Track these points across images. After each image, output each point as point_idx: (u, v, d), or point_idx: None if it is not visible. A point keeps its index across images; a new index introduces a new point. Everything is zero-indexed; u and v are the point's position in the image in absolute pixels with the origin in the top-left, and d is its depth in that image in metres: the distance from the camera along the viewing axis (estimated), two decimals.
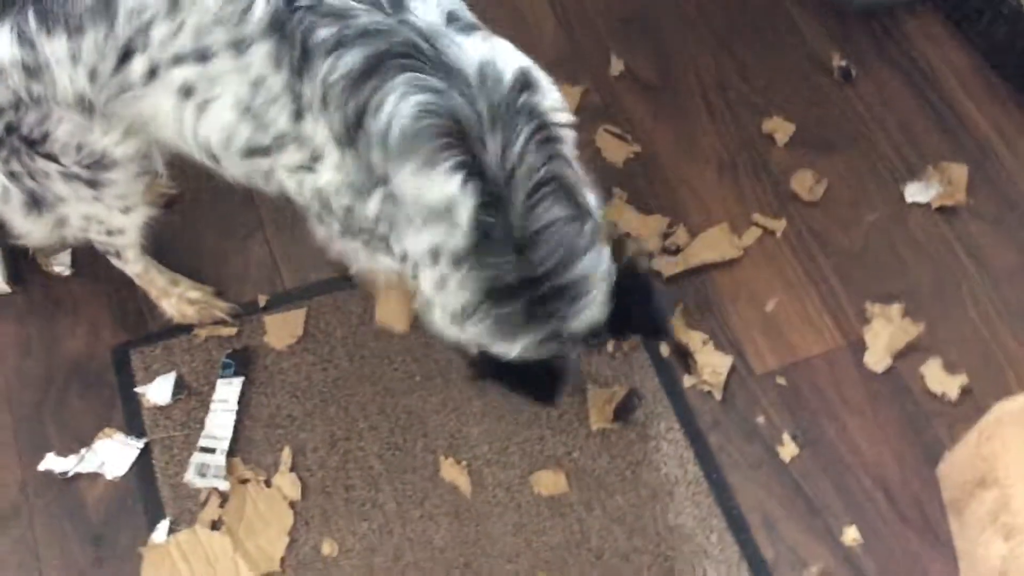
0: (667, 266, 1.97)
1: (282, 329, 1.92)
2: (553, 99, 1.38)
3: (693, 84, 2.23)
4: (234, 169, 1.49)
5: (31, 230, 1.66)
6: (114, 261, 1.82)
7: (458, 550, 1.72)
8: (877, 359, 1.87)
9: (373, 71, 1.30)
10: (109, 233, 1.69)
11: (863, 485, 1.77)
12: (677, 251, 1.99)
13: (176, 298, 1.87)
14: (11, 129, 1.46)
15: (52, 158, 1.50)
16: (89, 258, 1.90)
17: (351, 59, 1.30)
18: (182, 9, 1.33)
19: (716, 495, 1.76)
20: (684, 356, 1.88)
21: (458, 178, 1.30)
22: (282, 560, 1.71)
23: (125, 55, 1.36)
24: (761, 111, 2.18)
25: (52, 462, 1.78)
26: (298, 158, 1.41)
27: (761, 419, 1.83)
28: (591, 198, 1.44)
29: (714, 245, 1.99)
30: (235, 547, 1.71)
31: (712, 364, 1.86)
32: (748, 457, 1.80)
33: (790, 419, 1.83)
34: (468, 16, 1.39)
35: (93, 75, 1.38)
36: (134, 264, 1.82)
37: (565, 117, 1.39)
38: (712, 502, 1.76)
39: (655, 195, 2.06)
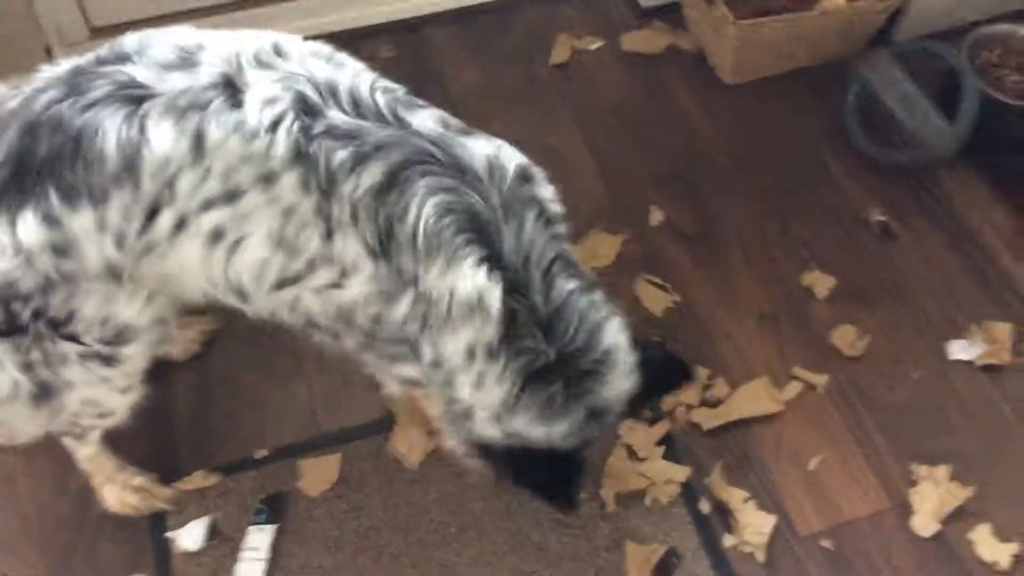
0: (707, 419, 1.94)
1: (317, 474, 1.91)
2: (548, 190, 1.46)
3: (733, 236, 2.25)
4: (262, 304, 1.50)
5: (27, 425, 1.62)
6: (68, 442, 1.76)
7: None
8: (925, 523, 1.81)
9: (395, 181, 1.37)
10: (100, 416, 1.67)
11: None
12: (717, 404, 1.97)
13: (120, 485, 1.83)
14: (38, 314, 1.43)
15: (74, 338, 1.48)
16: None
17: (373, 172, 1.36)
18: (206, 156, 1.36)
19: None
20: (724, 514, 1.84)
21: (484, 270, 1.37)
22: None
23: (152, 213, 1.38)
24: (801, 264, 2.19)
25: None
26: (328, 277, 1.43)
27: None
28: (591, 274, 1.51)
29: (755, 399, 1.97)
30: None
31: (754, 524, 1.81)
32: None
33: None
34: (456, 121, 1.47)
35: (120, 240, 1.39)
36: (90, 447, 1.77)
37: (558, 207, 1.46)
38: None
39: (695, 346, 2.06)
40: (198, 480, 1.89)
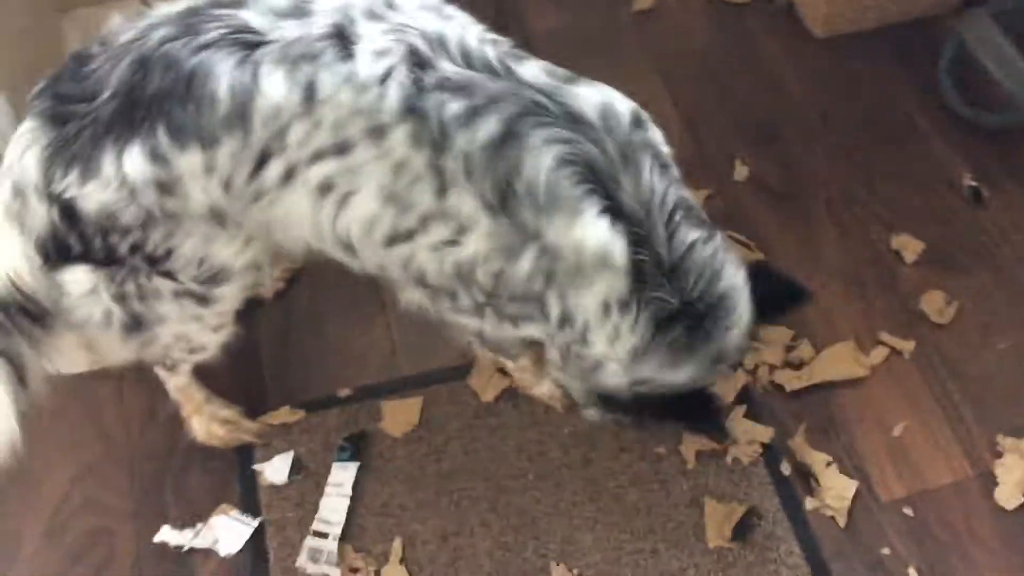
0: (790, 380, 1.93)
1: (399, 416, 1.93)
2: (659, 133, 1.46)
3: (819, 194, 2.21)
4: (371, 259, 1.51)
5: (118, 353, 1.67)
6: (160, 372, 1.80)
7: None
8: (1008, 495, 1.80)
9: (510, 134, 1.35)
10: (191, 351, 1.69)
11: None
12: (800, 366, 1.96)
13: (208, 417, 1.87)
14: (135, 248, 1.45)
15: (170, 276, 1.50)
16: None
17: (488, 126, 1.35)
18: (317, 107, 1.35)
19: None
20: (806, 477, 1.83)
21: (606, 222, 1.36)
22: None
23: (261, 161, 1.38)
24: (889, 227, 2.15)
25: (168, 535, 1.80)
26: (444, 234, 1.43)
27: (887, 550, 1.76)
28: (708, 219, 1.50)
29: (839, 362, 1.95)
30: None
31: (836, 488, 1.81)
32: None
33: (917, 552, 1.76)
34: (563, 71, 1.45)
35: (228, 185, 1.40)
36: (180, 377, 1.81)
37: (669, 150, 1.47)
38: None
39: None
40: (283, 415, 1.92)
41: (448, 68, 1.36)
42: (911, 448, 1.87)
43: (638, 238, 1.38)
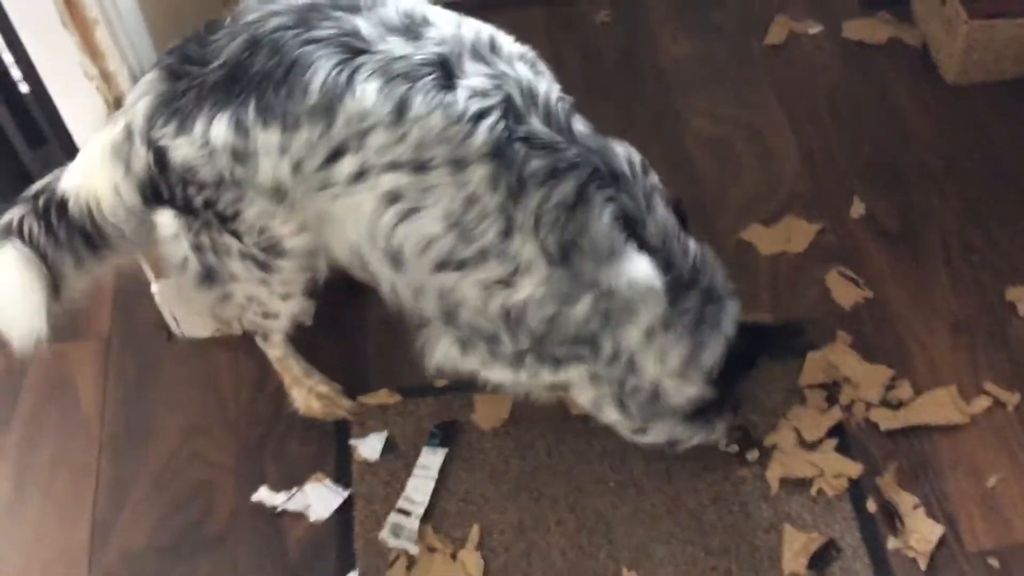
0: (886, 419, 1.91)
1: (490, 410, 1.99)
2: (656, 176, 1.62)
3: (935, 239, 2.18)
4: (414, 279, 1.58)
5: (198, 298, 1.80)
6: (259, 342, 1.91)
7: None
8: None
9: (582, 197, 1.48)
10: (265, 316, 1.79)
11: None
12: (899, 406, 1.93)
13: (307, 390, 1.96)
14: (208, 204, 1.56)
15: (236, 236, 1.60)
16: (329, 313, 2.05)
17: (565, 188, 1.48)
18: (406, 123, 1.43)
19: None
20: (891, 516, 1.81)
21: (646, 258, 1.53)
22: None
23: (335, 155, 1.47)
24: (1005, 278, 2.11)
25: (265, 495, 1.91)
26: (498, 273, 1.52)
27: None
28: None
29: (939, 407, 1.92)
30: None
31: (921, 531, 1.78)
32: None
33: None
34: (590, 126, 1.58)
35: (297, 168, 1.49)
36: (276, 348, 1.91)
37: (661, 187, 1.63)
38: None
39: (882, 345, 2.02)
40: (381, 397, 2.01)
41: (537, 125, 1.47)
42: (1004, 501, 1.83)
43: (664, 263, 1.55)
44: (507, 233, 1.48)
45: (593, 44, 2.59)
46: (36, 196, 1.66)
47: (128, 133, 1.58)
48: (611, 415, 1.70)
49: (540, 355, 1.63)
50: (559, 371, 1.65)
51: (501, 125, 1.44)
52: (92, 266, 1.71)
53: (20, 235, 1.64)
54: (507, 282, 1.53)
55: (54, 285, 1.66)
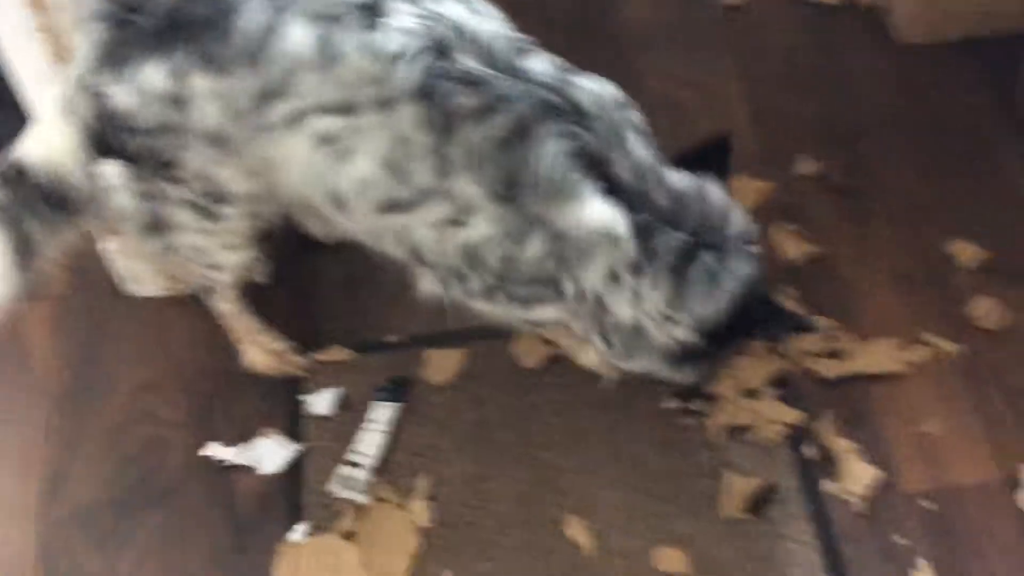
0: (827, 368, 1.95)
1: (441, 365, 2.02)
2: (638, 115, 1.57)
3: (880, 195, 2.22)
4: (364, 222, 1.59)
5: (143, 247, 1.80)
6: (209, 298, 1.92)
7: None
8: None
9: (521, 130, 1.45)
10: (211, 268, 1.79)
11: None
12: (840, 356, 1.97)
13: (258, 346, 1.97)
14: (151, 152, 1.56)
15: (179, 183, 1.61)
16: (281, 269, 2.07)
17: (499, 124, 1.45)
18: (333, 64, 1.44)
19: None
20: (829, 461, 1.85)
21: (602, 200, 1.48)
22: None
23: (268, 98, 1.48)
24: (949, 232, 2.14)
25: (215, 449, 1.93)
26: (445, 213, 1.52)
27: (900, 539, 1.77)
28: None
29: (879, 356, 1.96)
30: (361, 560, 1.79)
31: (857, 474, 1.82)
32: (879, 575, 1.74)
33: (930, 545, 1.76)
34: (563, 62, 1.55)
35: (233, 113, 1.50)
36: (226, 304, 1.91)
37: (645, 124, 1.58)
38: None
39: (826, 298, 2.05)
40: (333, 354, 2.03)
41: (467, 62, 1.46)
42: (939, 446, 1.87)
43: (637, 202, 1.50)
44: (443, 172, 1.49)
45: (549, 5, 2.61)
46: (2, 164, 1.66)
47: (73, 85, 1.58)
48: (598, 344, 1.69)
49: (508, 294, 1.62)
50: (529, 310, 1.65)
51: (427, 63, 1.44)
52: (64, 230, 1.72)
53: None
54: (457, 221, 1.53)
55: (25, 251, 1.67)
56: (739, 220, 1.59)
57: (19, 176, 1.64)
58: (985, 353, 1.97)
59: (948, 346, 1.98)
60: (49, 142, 1.63)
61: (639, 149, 1.53)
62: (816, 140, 2.32)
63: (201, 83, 1.49)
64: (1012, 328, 2.01)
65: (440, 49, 1.46)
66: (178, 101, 1.51)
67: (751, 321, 1.61)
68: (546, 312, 1.64)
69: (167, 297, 2.12)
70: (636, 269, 1.53)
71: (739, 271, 1.56)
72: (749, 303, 1.58)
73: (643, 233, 1.51)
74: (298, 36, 1.45)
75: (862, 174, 2.26)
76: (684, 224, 1.53)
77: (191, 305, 2.08)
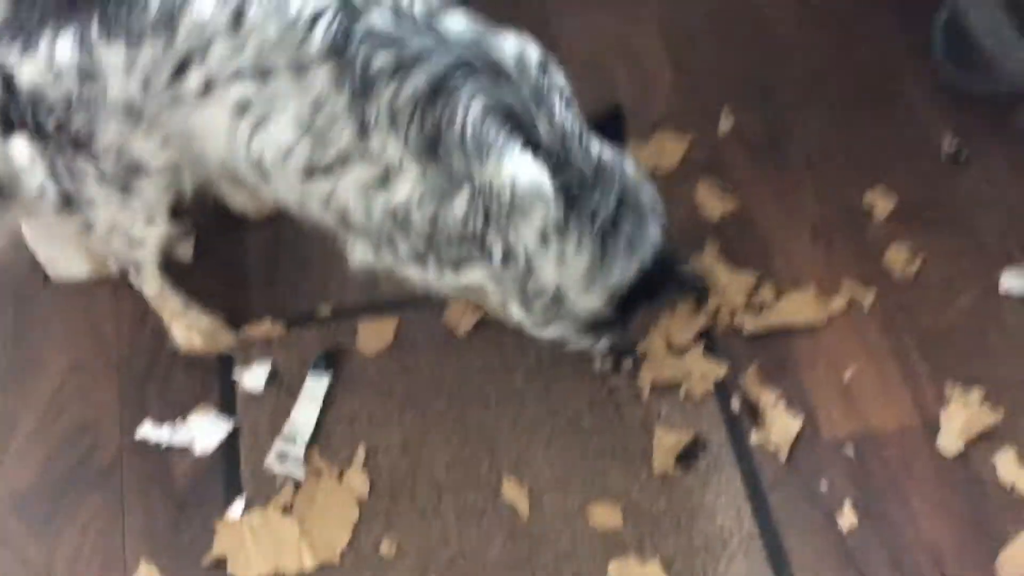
0: (750, 322, 2.00)
1: (374, 335, 2.03)
2: (562, 76, 1.58)
3: (799, 148, 2.26)
4: (287, 189, 1.59)
5: (61, 225, 1.78)
6: (134, 278, 1.90)
7: (509, 568, 1.78)
8: (950, 442, 1.86)
9: (439, 88, 1.46)
10: (131, 244, 1.78)
11: (919, 565, 1.76)
12: (762, 309, 2.02)
13: (187, 324, 1.97)
14: (60, 127, 1.54)
15: (93, 159, 1.59)
16: (207, 245, 2.05)
17: (416, 81, 1.45)
18: (243, 30, 1.44)
19: (769, 553, 1.78)
20: (754, 413, 1.91)
21: (530, 157, 1.48)
22: (342, 552, 1.80)
23: (181, 68, 1.47)
24: (865, 182, 2.19)
25: (149, 430, 1.92)
26: (368, 175, 1.52)
27: (824, 485, 1.84)
28: None
29: (799, 308, 2.02)
30: (302, 533, 1.81)
31: (781, 424, 1.88)
32: (806, 521, 1.81)
33: (853, 489, 1.83)
34: (482, 22, 1.55)
35: (146, 84, 1.49)
36: (151, 282, 1.90)
37: (568, 87, 1.59)
38: (764, 559, 1.77)
39: (747, 253, 2.10)
40: (264, 328, 2.03)
41: (377, 20, 1.45)
42: (859, 393, 1.94)
43: (559, 164, 1.51)
44: (363, 133, 1.48)
45: None
46: None
47: None
48: (516, 313, 1.72)
49: (438, 257, 1.63)
50: (460, 273, 1.65)
51: (336, 24, 1.44)
52: (6, 211, 1.70)
53: None
54: (382, 183, 1.53)
55: None
56: (650, 190, 1.63)
57: None
58: (901, 300, 2.04)
59: (865, 294, 2.04)
60: None
61: (562, 112, 1.54)
62: (737, 97, 2.35)
63: (111, 55, 1.46)
64: (923, 273, 2.07)
65: (351, 10, 1.45)
66: (89, 74, 1.48)
67: (654, 288, 1.67)
68: (475, 274, 1.65)
69: (92, 280, 2.09)
70: (561, 232, 1.55)
71: (652, 240, 1.61)
72: (654, 271, 1.64)
73: (568, 197, 1.52)
74: (209, 4, 1.43)
75: (780, 128, 2.30)
76: (607, 191, 1.56)
77: (117, 287, 2.07)
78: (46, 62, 1.48)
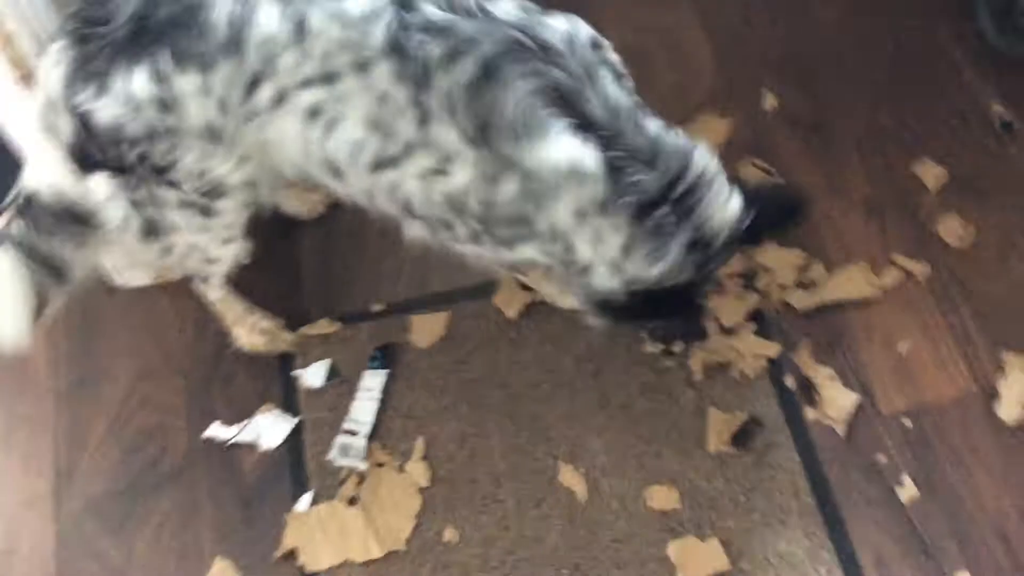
0: (801, 300, 2.00)
1: (426, 329, 2.07)
2: (615, 55, 1.59)
3: (846, 124, 2.25)
4: (358, 184, 1.63)
5: (142, 256, 1.85)
6: (198, 285, 1.96)
7: (569, 552, 1.81)
8: (1009, 410, 1.84)
9: (489, 73, 1.48)
10: (207, 262, 1.84)
11: (981, 534, 1.75)
12: (813, 286, 2.02)
13: (249, 327, 2.02)
14: (143, 159, 1.59)
15: (175, 186, 1.64)
16: (263, 248, 2.10)
17: (467, 67, 1.48)
18: (307, 39, 1.49)
19: (829, 529, 1.78)
20: (809, 389, 1.91)
21: (571, 137, 1.48)
22: (407, 540, 1.84)
23: (253, 84, 1.52)
24: (914, 155, 2.18)
25: (216, 430, 1.99)
26: (429, 163, 1.56)
27: (883, 458, 1.83)
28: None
29: (851, 283, 2.01)
30: (367, 523, 1.85)
31: (837, 400, 1.88)
32: (865, 494, 1.81)
33: (913, 461, 1.82)
34: (532, 4, 1.56)
35: (223, 105, 1.54)
36: (217, 290, 1.96)
37: (623, 67, 1.59)
38: (824, 535, 1.77)
39: (796, 231, 2.08)
40: (321, 327, 2.08)
41: (431, 11, 1.49)
42: (915, 365, 1.92)
43: (610, 139, 1.49)
44: (424, 122, 1.52)
45: None
46: (15, 199, 1.71)
47: (50, 105, 1.60)
48: (569, 291, 1.72)
49: (492, 236, 1.64)
50: (514, 251, 1.66)
51: (393, 19, 1.48)
52: (88, 243, 1.76)
53: (11, 239, 1.69)
54: (441, 170, 1.56)
55: (55, 272, 1.73)
56: (717, 208, 1.55)
57: (29, 205, 1.70)
58: (955, 271, 2.02)
59: (918, 267, 2.03)
60: (44, 166, 1.67)
61: (613, 88, 1.52)
62: (778, 74, 2.34)
63: (186, 82, 1.51)
64: (977, 243, 2.05)
65: (403, 2, 1.49)
66: (167, 104, 1.54)
67: (667, 305, 1.63)
68: (529, 250, 1.66)
69: (155, 286, 2.16)
70: (602, 209, 1.54)
71: (686, 250, 1.55)
72: (676, 290, 1.60)
73: (615, 171, 1.50)
74: (270, 18, 1.48)
75: (825, 105, 2.28)
76: (656, 168, 1.51)
77: (179, 292, 2.13)
78: (124, 98, 1.53)
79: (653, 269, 1.57)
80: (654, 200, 1.53)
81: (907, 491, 1.79)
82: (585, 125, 1.49)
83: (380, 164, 1.57)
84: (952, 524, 1.76)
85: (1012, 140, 2.18)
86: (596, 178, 1.50)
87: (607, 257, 1.59)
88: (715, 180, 1.57)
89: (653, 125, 1.55)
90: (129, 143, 1.58)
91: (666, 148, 1.53)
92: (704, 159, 1.56)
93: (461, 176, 1.55)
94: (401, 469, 1.91)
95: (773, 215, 1.66)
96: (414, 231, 1.72)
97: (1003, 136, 2.19)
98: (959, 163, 2.15)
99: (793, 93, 2.30)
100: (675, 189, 1.53)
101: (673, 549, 1.78)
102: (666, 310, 1.67)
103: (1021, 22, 2.26)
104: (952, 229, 2.06)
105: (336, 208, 2.21)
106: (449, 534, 1.84)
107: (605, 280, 1.62)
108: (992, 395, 1.87)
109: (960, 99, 2.25)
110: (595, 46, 1.55)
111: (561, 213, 1.55)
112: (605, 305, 1.67)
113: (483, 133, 1.51)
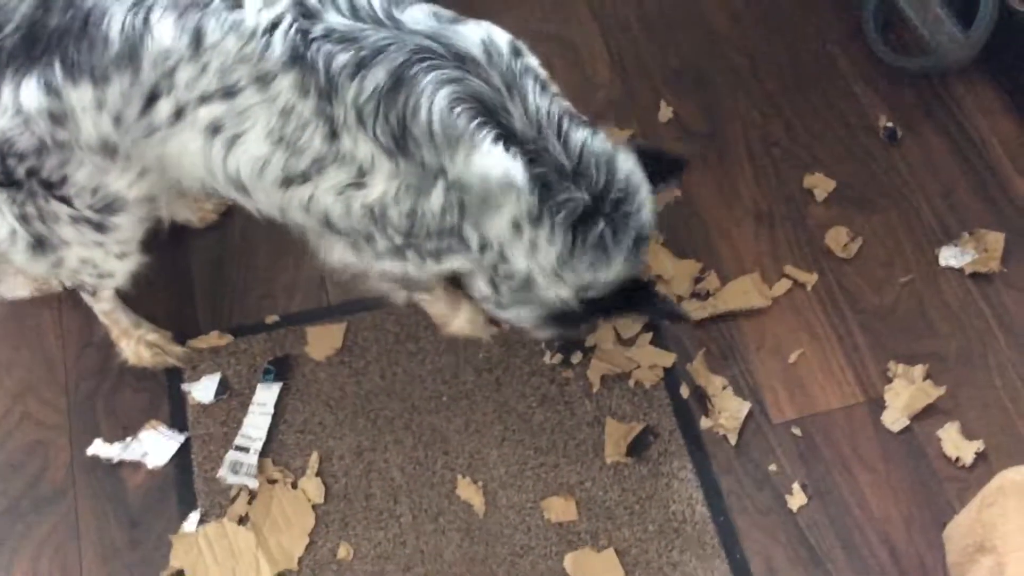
0: (695, 310, 2.02)
1: (322, 341, 2.03)
2: (534, 58, 1.54)
3: (739, 136, 2.29)
4: (267, 201, 1.58)
5: (31, 270, 1.78)
6: (86, 297, 1.90)
7: (467, 567, 1.80)
8: (895, 418, 1.90)
9: (401, 81, 1.43)
10: (100, 276, 1.77)
11: (868, 541, 1.80)
12: (707, 296, 2.05)
13: (135, 340, 1.96)
14: (32, 173, 1.53)
15: (66, 201, 1.58)
16: (153, 260, 2.03)
17: (377, 76, 1.43)
18: (204, 52, 1.43)
19: (721, 537, 1.81)
20: (703, 399, 1.93)
21: (501, 148, 1.44)
22: (300, 560, 1.80)
23: (151, 99, 1.46)
24: (804, 166, 2.23)
25: (99, 448, 1.91)
26: (343, 177, 1.51)
27: (773, 467, 1.87)
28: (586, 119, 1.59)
29: (743, 293, 2.04)
30: (258, 543, 1.81)
31: (730, 409, 1.91)
32: (757, 503, 1.84)
33: (802, 469, 1.86)
34: (446, 12, 1.53)
35: (118, 120, 1.48)
36: (105, 303, 1.90)
37: (545, 71, 1.56)
38: (717, 544, 1.80)
39: (691, 241, 2.13)
40: (212, 339, 2.02)
41: (335, 19, 1.44)
42: (805, 374, 1.97)
43: (535, 154, 1.47)
44: (334, 135, 1.47)
45: None
46: None
47: None
48: (482, 290, 1.69)
49: (418, 250, 1.61)
50: (442, 262, 1.63)
51: (293, 29, 1.42)
52: None
53: None
54: (359, 183, 1.51)
55: None
56: (646, 206, 1.58)
57: None
58: (842, 280, 2.08)
59: (807, 277, 2.07)
60: None
61: (538, 99, 1.48)
62: (675, 86, 2.37)
63: (80, 95, 1.45)
64: (862, 254, 2.11)
65: (304, 12, 1.43)
66: (58, 117, 1.46)
67: (627, 301, 1.64)
68: (455, 262, 1.64)
69: (37, 300, 2.07)
70: (535, 220, 1.51)
71: (625, 241, 1.56)
72: (630, 285, 1.61)
73: (542, 187, 1.48)
74: (169, 31, 1.42)
75: (720, 116, 2.32)
76: (584, 184, 1.50)
77: (62, 303, 2.05)
78: (12, 110, 1.46)
79: (600, 274, 1.57)
80: (589, 213, 1.51)
81: (796, 499, 1.83)
82: (508, 137, 1.45)
83: (289, 180, 1.52)
84: (840, 532, 1.81)
85: (896, 149, 2.25)
86: (526, 191, 1.47)
87: (545, 266, 1.57)
88: (639, 179, 1.57)
89: (579, 134, 1.50)
90: (17, 157, 1.51)
91: (592, 158, 1.50)
92: (628, 163, 1.56)
93: (380, 188, 1.51)
94: (294, 486, 1.87)
95: (662, 174, 1.68)
96: (335, 253, 1.67)
97: (888, 146, 2.25)
98: (847, 173, 2.21)
99: (689, 105, 2.33)
100: (606, 201, 1.52)
101: (570, 561, 1.79)
102: (627, 305, 1.67)
103: (905, 35, 2.34)
104: (839, 239, 2.12)
105: (228, 216, 2.15)
106: (344, 551, 1.81)
107: (552, 289, 1.60)
108: (878, 404, 1.92)
109: (849, 111, 2.31)
110: (515, 53, 1.50)
111: (497, 224, 1.52)
112: (561, 317, 1.66)
113: (401, 143, 1.46)
